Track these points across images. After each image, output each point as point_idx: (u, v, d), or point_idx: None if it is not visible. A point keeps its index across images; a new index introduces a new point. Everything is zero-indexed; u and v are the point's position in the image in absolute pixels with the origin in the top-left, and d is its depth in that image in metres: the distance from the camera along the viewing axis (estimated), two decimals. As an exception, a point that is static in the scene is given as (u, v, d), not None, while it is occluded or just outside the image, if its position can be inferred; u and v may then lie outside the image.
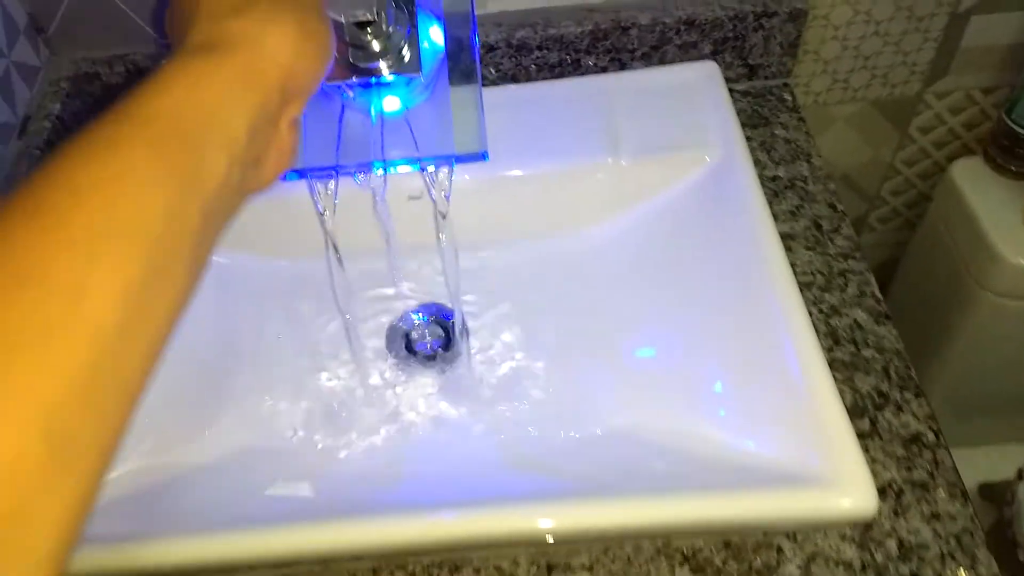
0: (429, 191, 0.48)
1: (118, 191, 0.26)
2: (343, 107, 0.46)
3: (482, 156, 0.45)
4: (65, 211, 0.25)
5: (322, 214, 0.47)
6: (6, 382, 0.23)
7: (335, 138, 0.45)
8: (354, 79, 0.45)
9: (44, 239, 0.25)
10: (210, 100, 0.30)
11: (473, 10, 0.48)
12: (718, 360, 0.50)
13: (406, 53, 0.45)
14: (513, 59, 0.68)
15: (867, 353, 0.56)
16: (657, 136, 0.56)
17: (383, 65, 0.44)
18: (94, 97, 0.68)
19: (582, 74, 0.69)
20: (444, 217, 0.49)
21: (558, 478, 0.46)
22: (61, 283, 0.24)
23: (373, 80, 0.45)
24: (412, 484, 0.48)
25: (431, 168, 0.47)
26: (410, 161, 0.46)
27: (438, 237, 0.51)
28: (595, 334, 0.53)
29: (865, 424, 0.52)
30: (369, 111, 0.46)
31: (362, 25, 0.44)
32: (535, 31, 0.66)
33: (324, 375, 0.55)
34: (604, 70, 0.69)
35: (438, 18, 0.47)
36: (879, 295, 0.58)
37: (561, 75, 0.69)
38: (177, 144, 0.28)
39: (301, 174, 0.46)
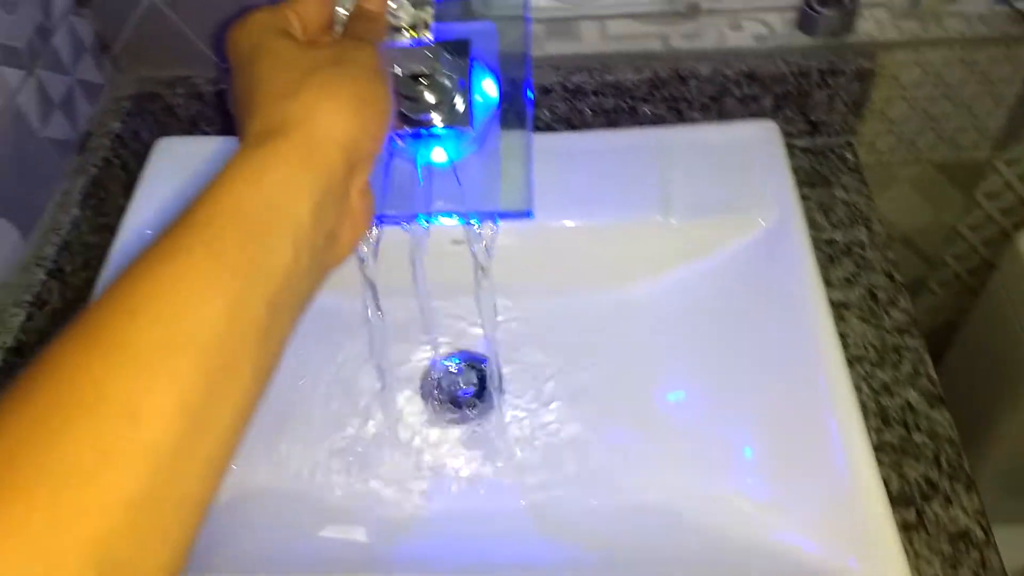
0: (471, 245, 0.47)
1: (175, 302, 0.26)
2: (391, 155, 0.46)
3: (527, 214, 0.44)
4: (122, 330, 0.26)
5: (362, 260, 0.47)
6: (58, 515, 0.23)
7: (381, 187, 0.45)
8: (405, 129, 0.44)
9: (101, 362, 0.25)
10: (271, 191, 0.30)
11: (528, 60, 0.47)
12: (759, 435, 0.48)
13: (459, 105, 0.44)
14: (568, 103, 0.67)
15: (918, 438, 0.53)
16: (710, 196, 0.55)
17: (435, 116, 0.44)
18: (154, 116, 0.69)
19: (638, 122, 0.68)
20: (484, 271, 0.49)
21: (584, 548, 0.45)
22: (116, 407, 0.24)
23: (424, 131, 0.44)
24: (430, 540, 0.47)
25: (474, 222, 0.46)
26: (453, 215, 0.45)
27: (477, 286, 0.51)
28: (632, 395, 0.52)
29: (911, 515, 0.50)
30: (417, 161, 0.46)
31: (416, 76, 0.43)
32: (592, 76, 0.65)
33: (351, 418, 0.54)
34: (661, 118, 0.68)
35: (492, 71, 0.46)
36: (934, 375, 0.56)
37: (616, 121, 0.68)
38: (238, 241, 0.28)
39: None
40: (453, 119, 0.44)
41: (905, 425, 0.54)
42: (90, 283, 0.61)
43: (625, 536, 0.46)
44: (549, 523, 0.48)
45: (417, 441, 0.54)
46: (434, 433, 0.54)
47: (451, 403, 0.55)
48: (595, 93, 0.66)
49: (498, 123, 0.46)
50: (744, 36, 0.66)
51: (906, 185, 0.76)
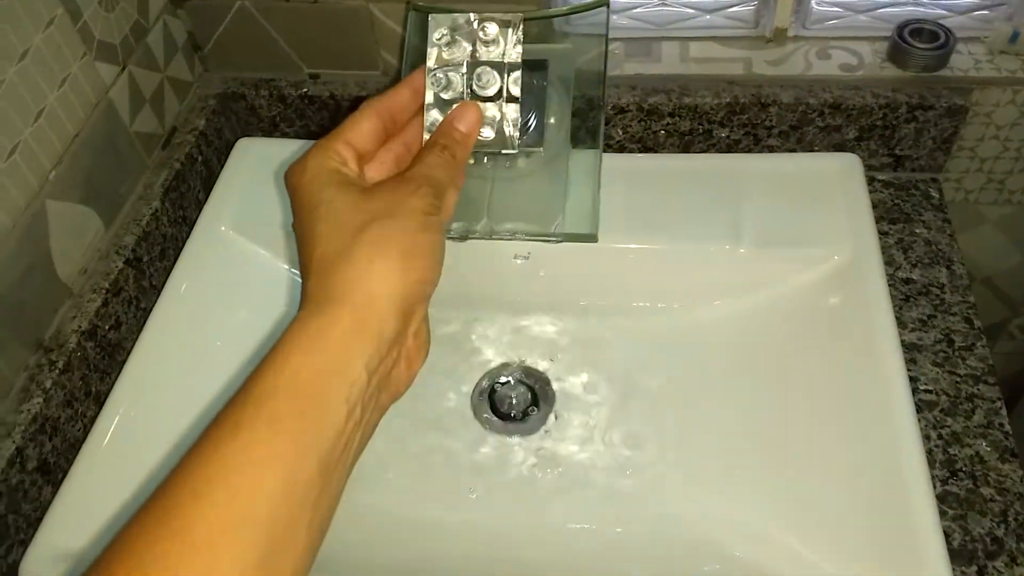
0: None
1: (236, 483, 0.29)
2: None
3: (592, 238, 0.44)
4: (186, 514, 0.28)
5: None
6: None
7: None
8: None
9: (168, 545, 0.28)
10: (327, 358, 0.32)
11: (605, 79, 0.47)
12: (817, 476, 0.46)
13: (531, 124, 0.44)
14: (643, 123, 0.66)
15: (985, 492, 0.51)
16: (783, 227, 0.54)
17: (503, 136, 0.44)
18: (237, 116, 0.71)
19: (713, 146, 0.67)
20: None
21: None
22: None
23: (493, 149, 0.44)
24: (475, 555, 0.47)
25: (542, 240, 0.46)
26: (518, 236, 0.45)
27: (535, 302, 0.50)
28: (688, 425, 0.51)
29: (972, 572, 0.47)
30: (486, 178, 0.46)
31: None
32: (669, 98, 0.64)
33: (404, 432, 0.54)
34: (737, 143, 0.66)
35: (567, 91, 0.46)
36: (1008, 428, 0.53)
37: (691, 144, 0.67)
38: (295, 410, 0.31)
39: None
40: (525, 137, 0.44)
41: (973, 477, 0.52)
42: (164, 274, 0.63)
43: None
44: (587, 553, 0.48)
45: (465, 455, 0.53)
46: (484, 449, 0.53)
47: (503, 419, 0.55)
48: (671, 115, 0.65)
49: (569, 143, 0.46)
50: (830, 65, 0.64)
51: (992, 226, 0.73)
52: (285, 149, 0.65)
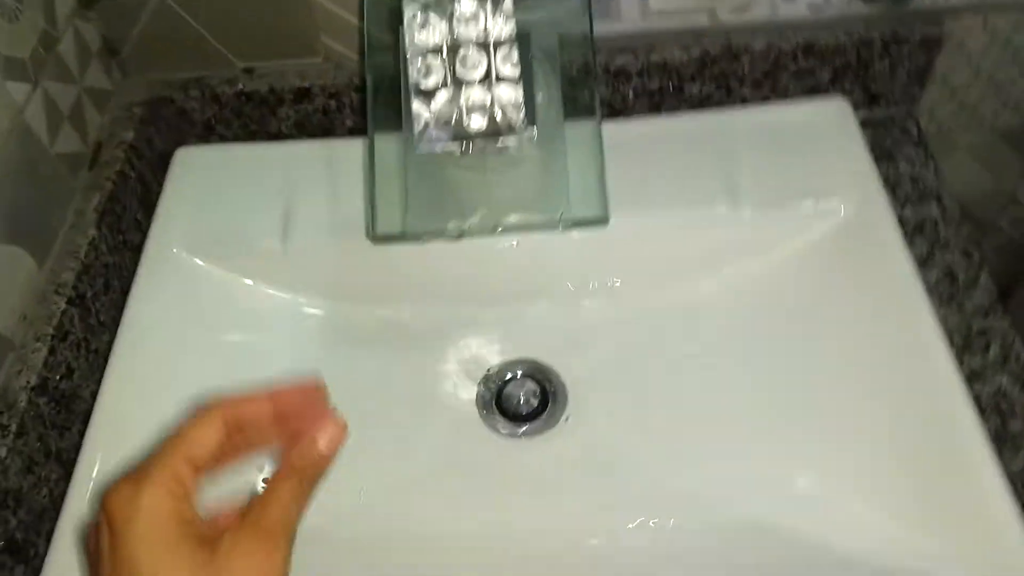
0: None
1: None
2: (452, 164, 0.42)
3: (604, 221, 0.40)
4: None
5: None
6: None
7: (443, 198, 0.41)
8: (462, 139, 0.40)
9: None
10: None
11: (593, 41, 0.43)
12: (866, 432, 0.44)
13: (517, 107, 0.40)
14: (610, 85, 0.62)
15: (1015, 426, 0.50)
16: (781, 182, 0.51)
17: (492, 122, 0.40)
18: (167, 122, 0.64)
19: (685, 101, 0.63)
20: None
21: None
22: None
23: (481, 139, 0.40)
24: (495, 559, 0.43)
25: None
26: (521, 227, 0.41)
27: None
28: (710, 402, 0.48)
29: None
30: (476, 168, 0.41)
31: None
32: (636, 57, 0.61)
33: (407, 431, 0.50)
34: (709, 97, 0.63)
35: (553, 61, 0.42)
36: (1027, 360, 0.52)
37: (661, 103, 0.64)
38: None
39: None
40: (505, 125, 0.40)
41: (1000, 413, 0.50)
42: (112, 308, 0.57)
43: (717, 567, 0.42)
44: (622, 551, 0.45)
45: (472, 455, 0.50)
46: (490, 440, 0.50)
47: (512, 417, 0.51)
48: (639, 74, 0.61)
49: (562, 118, 0.42)
50: (798, 7, 0.61)
51: (964, 153, 0.72)
52: (228, 155, 0.59)
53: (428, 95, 0.37)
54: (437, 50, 0.38)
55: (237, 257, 0.54)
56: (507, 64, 0.37)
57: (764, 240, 0.50)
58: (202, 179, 0.56)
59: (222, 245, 0.54)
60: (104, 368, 0.56)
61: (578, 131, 0.42)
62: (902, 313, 0.45)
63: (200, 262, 0.53)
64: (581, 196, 0.40)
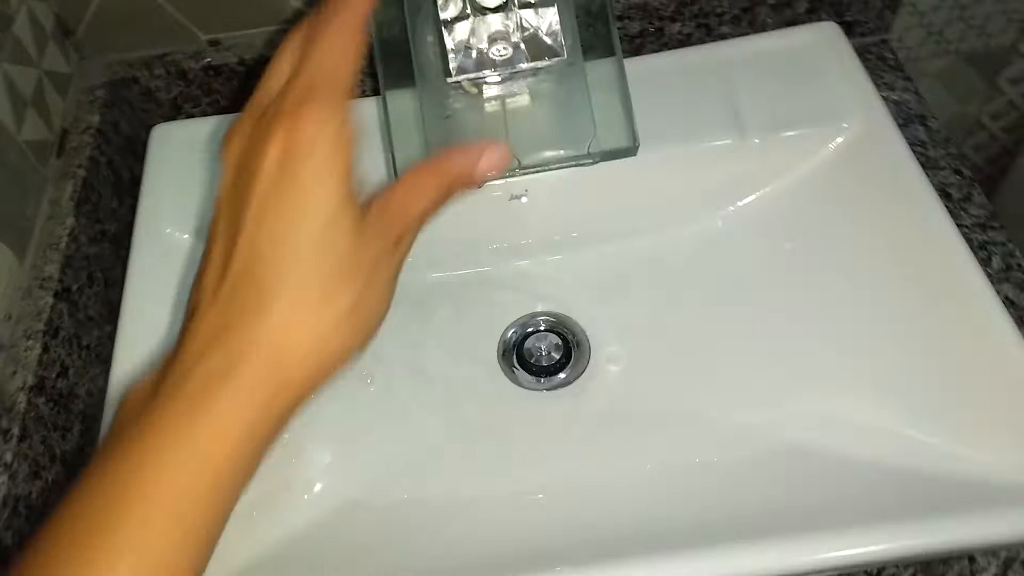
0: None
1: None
2: (470, 109, 0.40)
3: (633, 151, 0.39)
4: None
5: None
6: None
7: (460, 138, 0.39)
8: (485, 73, 0.38)
9: None
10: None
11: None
12: (906, 350, 0.44)
13: (545, 34, 0.39)
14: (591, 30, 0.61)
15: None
16: (785, 108, 0.51)
17: (517, 51, 0.38)
18: (131, 104, 0.61)
19: (666, 44, 0.63)
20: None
21: (727, 514, 0.41)
22: None
23: (507, 71, 0.38)
24: (531, 529, 0.42)
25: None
26: (551, 163, 0.40)
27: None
28: (739, 334, 0.48)
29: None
30: (496, 105, 0.40)
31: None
32: (617, 0, 0.60)
33: (424, 397, 0.49)
34: (689, 36, 0.63)
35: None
36: (1028, 266, 0.54)
37: (642, 46, 0.63)
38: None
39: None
40: (540, 51, 0.38)
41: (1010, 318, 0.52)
42: (98, 301, 0.54)
43: (769, 489, 0.42)
44: (673, 491, 0.44)
45: (499, 414, 0.49)
46: (515, 397, 0.49)
47: (539, 372, 0.50)
48: (620, 17, 0.61)
49: (580, 49, 0.41)
50: (770, -62, 0.61)
51: (931, 79, 0.74)
52: (205, 130, 0.56)
53: (449, 26, 0.36)
54: None
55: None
56: None
57: (776, 165, 0.50)
58: (183, 156, 0.54)
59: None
60: (97, 363, 0.53)
61: (597, 64, 0.41)
62: (921, 222, 0.46)
63: (195, 239, 0.51)
64: (608, 128, 0.39)
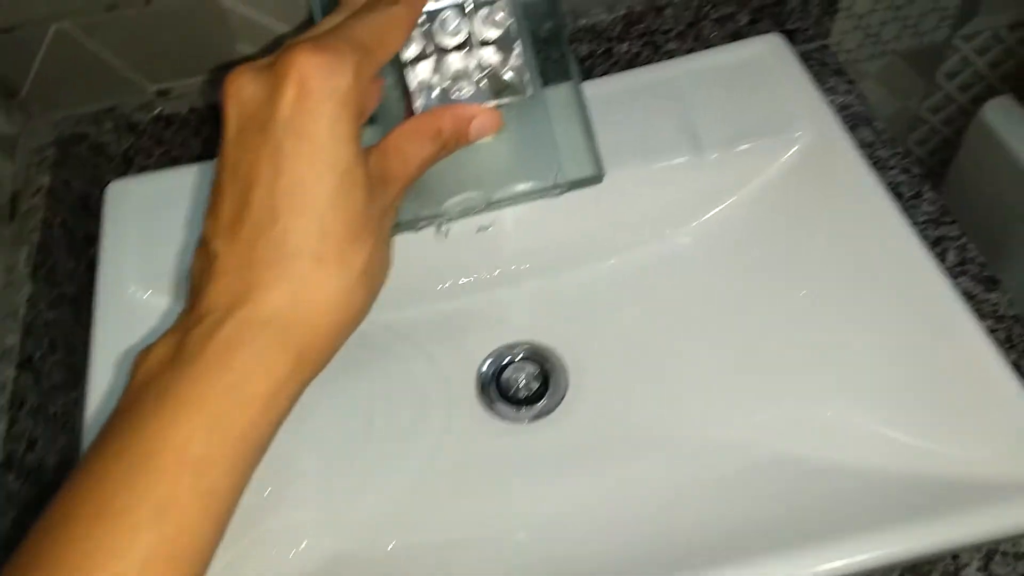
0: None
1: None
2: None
3: (597, 180, 0.40)
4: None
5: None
6: None
7: (429, 181, 0.39)
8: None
9: None
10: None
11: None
12: (876, 355, 0.45)
13: (509, 70, 0.39)
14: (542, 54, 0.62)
15: (986, 324, 0.52)
16: (738, 122, 0.52)
17: (483, 89, 0.38)
18: (81, 161, 0.60)
19: (615, 63, 0.64)
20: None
21: (722, 532, 0.41)
22: None
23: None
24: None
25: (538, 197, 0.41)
26: (517, 198, 0.40)
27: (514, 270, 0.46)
28: (711, 350, 0.48)
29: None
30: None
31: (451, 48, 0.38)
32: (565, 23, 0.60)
33: (411, 433, 0.48)
34: (637, 55, 0.64)
35: (521, 20, 0.41)
36: (982, 259, 0.55)
37: (592, 68, 0.64)
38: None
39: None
40: (501, 88, 0.38)
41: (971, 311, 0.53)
42: (61, 368, 0.53)
43: (756, 501, 0.43)
44: (657, 517, 0.44)
45: (477, 448, 0.48)
46: (494, 430, 0.49)
47: (517, 402, 0.50)
48: (569, 41, 0.61)
49: (539, 80, 0.41)
50: (708, -47, 0.63)
51: (871, 80, 0.76)
52: (162, 184, 0.55)
53: (409, 67, 0.36)
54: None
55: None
56: (490, 25, 0.36)
57: (735, 178, 0.51)
58: (140, 212, 0.53)
59: (181, 276, 0.50)
60: (64, 432, 0.52)
61: (555, 93, 0.41)
62: (878, 225, 0.47)
63: (160, 297, 0.50)
64: (571, 157, 0.40)
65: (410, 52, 0.36)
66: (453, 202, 0.39)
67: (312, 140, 0.29)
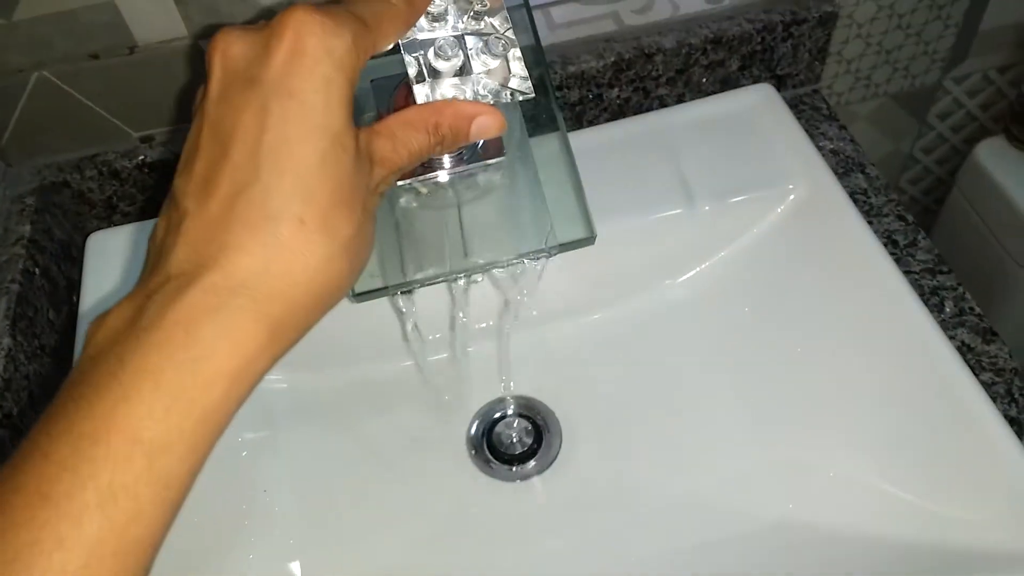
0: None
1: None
2: (421, 205, 0.39)
3: (590, 242, 0.39)
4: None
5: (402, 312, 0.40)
6: None
7: (418, 242, 0.38)
8: (427, 176, 0.38)
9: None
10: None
11: (542, 49, 0.41)
12: (870, 408, 0.44)
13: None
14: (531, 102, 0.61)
15: (985, 377, 0.52)
16: (730, 173, 0.51)
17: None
18: (63, 209, 0.59)
19: (605, 109, 0.63)
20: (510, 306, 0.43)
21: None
22: None
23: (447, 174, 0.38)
24: None
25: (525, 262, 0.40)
26: (508, 260, 0.39)
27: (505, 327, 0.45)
28: (706, 406, 0.48)
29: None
30: (450, 204, 0.39)
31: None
32: (554, 70, 0.60)
33: (403, 489, 0.47)
34: (627, 101, 0.63)
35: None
36: (979, 310, 0.55)
37: (583, 113, 0.63)
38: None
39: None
40: (487, 151, 0.38)
41: (968, 367, 0.52)
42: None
43: (762, 558, 0.42)
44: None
45: (471, 508, 0.47)
46: (487, 489, 0.47)
47: (509, 461, 0.49)
48: (559, 87, 0.61)
49: (527, 138, 0.40)
50: (695, 1, 0.62)
51: (863, 122, 0.75)
52: (147, 231, 0.54)
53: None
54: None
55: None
56: (478, 56, 0.35)
57: (728, 231, 0.50)
58: (120, 263, 0.52)
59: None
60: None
61: (543, 149, 0.40)
62: (874, 280, 0.46)
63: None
64: (563, 218, 0.39)
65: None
66: (441, 266, 0.38)
67: (303, 100, 0.27)
